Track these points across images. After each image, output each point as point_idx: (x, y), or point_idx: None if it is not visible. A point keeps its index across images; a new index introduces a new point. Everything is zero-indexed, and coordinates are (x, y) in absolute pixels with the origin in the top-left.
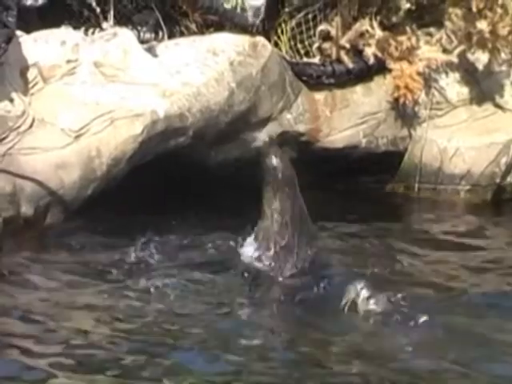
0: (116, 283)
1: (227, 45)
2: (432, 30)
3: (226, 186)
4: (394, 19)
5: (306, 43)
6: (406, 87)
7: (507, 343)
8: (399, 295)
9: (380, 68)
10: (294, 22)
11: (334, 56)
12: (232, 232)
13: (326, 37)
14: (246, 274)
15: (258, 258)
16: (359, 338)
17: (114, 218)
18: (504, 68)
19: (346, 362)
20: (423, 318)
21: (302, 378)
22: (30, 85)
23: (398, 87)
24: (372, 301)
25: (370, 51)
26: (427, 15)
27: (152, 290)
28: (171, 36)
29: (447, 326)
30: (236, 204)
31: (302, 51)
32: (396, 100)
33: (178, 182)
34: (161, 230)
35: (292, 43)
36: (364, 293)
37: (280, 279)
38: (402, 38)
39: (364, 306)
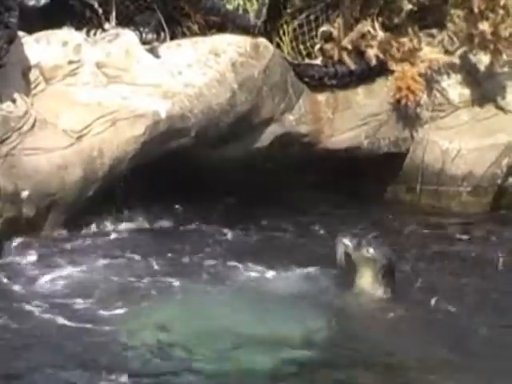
0: None
1: (229, 46)
2: (434, 31)
3: None
4: (396, 20)
5: (308, 44)
6: (408, 88)
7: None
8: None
9: (382, 69)
10: (295, 23)
11: (335, 57)
12: None
13: (328, 38)
14: None
15: None
16: None
17: None
18: (506, 69)
19: None
20: None
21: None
22: (32, 85)
23: (399, 88)
24: (363, 246)
25: (371, 52)
26: (429, 16)
27: None
28: (173, 37)
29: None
30: None
31: (304, 52)
32: (398, 101)
33: None
34: None
35: (294, 44)
36: (353, 242)
37: None
38: (404, 40)
39: (357, 254)
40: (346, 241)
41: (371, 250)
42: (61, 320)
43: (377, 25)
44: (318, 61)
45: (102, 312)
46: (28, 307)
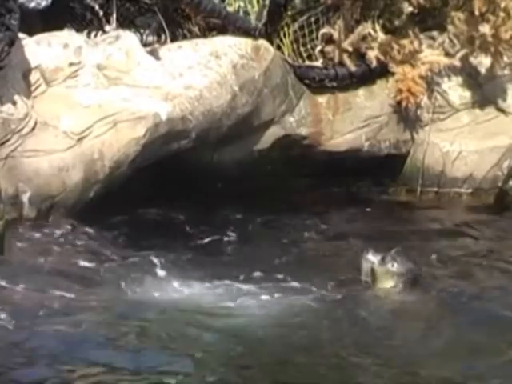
0: None
1: (230, 48)
2: (434, 33)
3: None
4: (397, 23)
5: (309, 46)
6: (409, 91)
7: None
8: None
9: (382, 71)
10: (296, 25)
11: (336, 59)
12: None
13: (329, 40)
14: None
15: None
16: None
17: None
18: (506, 72)
19: None
20: None
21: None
22: (33, 87)
23: (400, 91)
24: (388, 261)
25: (372, 54)
26: (430, 19)
27: None
28: (174, 39)
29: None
30: None
31: (305, 54)
32: (398, 103)
33: None
34: None
35: (294, 46)
36: (377, 257)
37: None
38: (405, 42)
39: (382, 269)
40: (371, 256)
41: (396, 265)
42: None
43: (377, 27)
44: (319, 63)
45: None
46: None
